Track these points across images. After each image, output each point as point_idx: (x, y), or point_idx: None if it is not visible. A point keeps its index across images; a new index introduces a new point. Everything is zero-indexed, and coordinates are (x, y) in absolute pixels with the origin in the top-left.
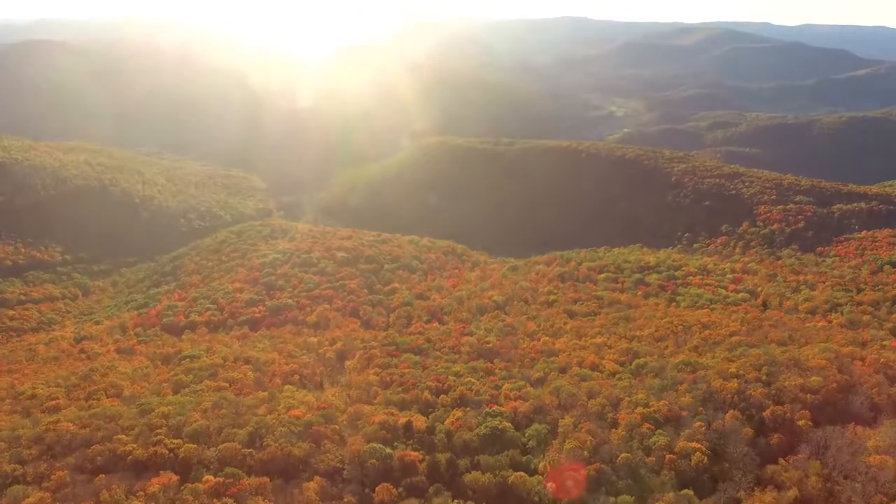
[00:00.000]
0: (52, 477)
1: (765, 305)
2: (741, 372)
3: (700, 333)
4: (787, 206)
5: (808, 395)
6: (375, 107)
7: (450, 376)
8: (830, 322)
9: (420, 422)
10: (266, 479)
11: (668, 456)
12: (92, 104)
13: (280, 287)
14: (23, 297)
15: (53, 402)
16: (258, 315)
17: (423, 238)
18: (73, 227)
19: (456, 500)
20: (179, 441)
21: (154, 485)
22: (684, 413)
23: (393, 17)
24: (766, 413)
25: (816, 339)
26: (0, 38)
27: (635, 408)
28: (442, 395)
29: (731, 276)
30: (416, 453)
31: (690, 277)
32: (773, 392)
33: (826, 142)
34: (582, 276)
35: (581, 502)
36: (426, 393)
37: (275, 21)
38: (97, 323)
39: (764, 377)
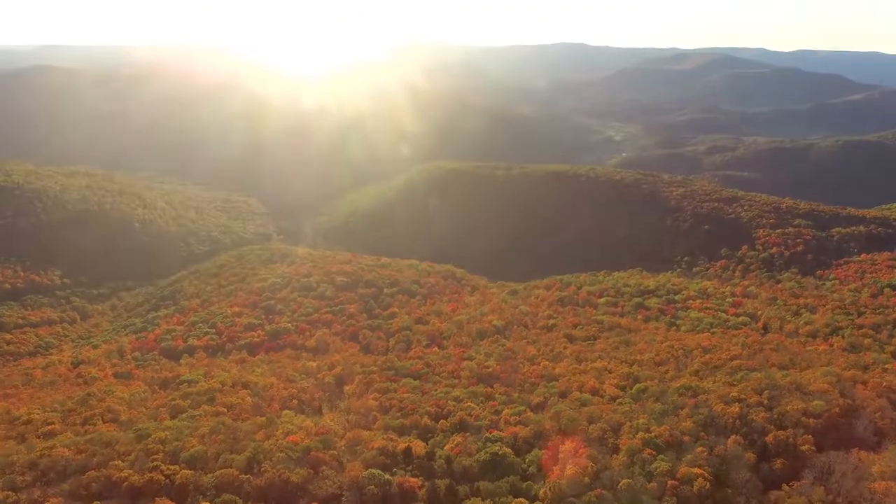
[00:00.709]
0: None
1: (765, 329)
2: (743, 396)
3: (701, 357)
4: (786, 230)
5: (811, 420)
6: (375, 131)
7: (449, 401)
8: (831, 345)
9: (419, 447)
10: None
11: (670, 482)
12: (95, 129)
13: (279, 311)
14: (21, 321)
15: (49, 427)
16: (257, 339)
17: (423, 262)
18: (72, 251)
19: None
20: (176, 467)
21: None
22: (686, 438)
23: (392, 43)
24: (769, 438)
25: (818, 362)
26: (6, 63)
27: (636, 433)
28: (441, 421)
29: (731, 299)
30: (416, 479)
31: (690, 301)
32: (775, 416)
33: (823, 165)
34: (582, 301)
35: None
36: (425, 418)
37: (275, 46)
38: (95, 347)
39: (766, 401)
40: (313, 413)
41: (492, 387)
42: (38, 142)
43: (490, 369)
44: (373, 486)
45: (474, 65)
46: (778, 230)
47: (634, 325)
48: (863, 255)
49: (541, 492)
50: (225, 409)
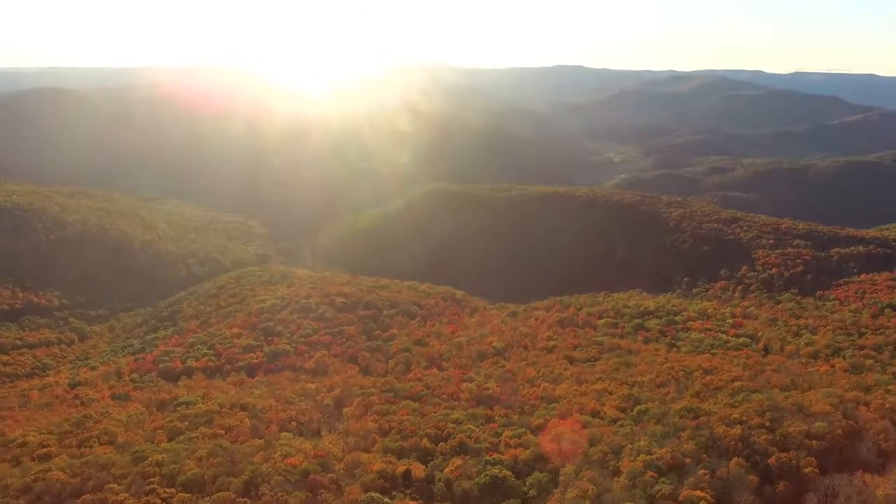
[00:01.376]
0: None
1: (766, 350)
2: (744, 418)
3: (701, 379)
4: (786, 250)
5: (814, 442)
6: (375, 152)
7: (449, 423)
8: (833, 366)
9: (419, 470)
10: None
11: None
12: (97, 150)
13: (278, 333)
14: (18, 342)
15: (44, 449)
16: (256, 361)
17: (422, 284)
18: (71, 272)
19: None
20: (173, 490)
21: None
22: (688, 460)
23: (393, 65)
24: (772, 460)
25: (819, 383)
26: (12, 85)
27: (638, 455)
28: (441, 443)
29: (731, 320)
30: (415, 503)
31: (690, 322)
32: (777, 438)
33: (821, 186)
34: (581, 322)
35: None
36: (425, 440)
37: (275, 67)
38: (93, 368)
39: (768, 423)
40: (312, 435)
41: (492, 409)
42: (40, 162)
43: (490, 391)
44: None
45: (474, 86)
46: (777, 251)
47: (635, 347)
48: (862, 276)
49: None
50: (223, 432)
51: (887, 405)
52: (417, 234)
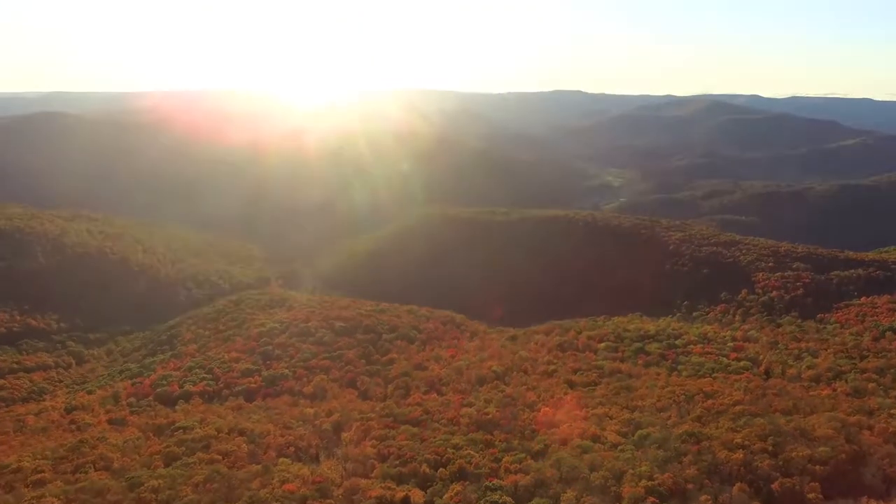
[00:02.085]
0: None
1: (767, 374)
2: (746, 442)
3: (703, 403)
4: (785, 274)
5: (817, 467)
6: (375, 176)
7: (449, 448)
8: (835, 390)
9: (418, 496)
10: None
11: None
12: (98, 174)
13: (277, 357)
14: (15, 366)
15: (39, 475)
16: (254, 385)
17: (422, 308)
18: (70, 295)
19: None
20: None
21: None
22: (690, 486)
23: (393, 91)
24: (775, 485)
25: (822, 407)
26: (13, 109)
27: (639, 480)
28: (441, 469)
29: (731, 344)
30: None
31: (691, 346)
32: (780, 463)
33: (819, 209)
34: (581, 346)
35: None
36: (424, 466)
37: (276, 92)
38: (90, 392)
39: (770, 448)
40: (310, 461)
41: (491, 434)
42: (41, 186)
43: (490, 416)
44: None
45: (474, 111)
46: (777, 274)
47: (635, 371)
48: (863, 299)
49: None
50: (220, 457)
51: (891, 429)
52: (417, 258)
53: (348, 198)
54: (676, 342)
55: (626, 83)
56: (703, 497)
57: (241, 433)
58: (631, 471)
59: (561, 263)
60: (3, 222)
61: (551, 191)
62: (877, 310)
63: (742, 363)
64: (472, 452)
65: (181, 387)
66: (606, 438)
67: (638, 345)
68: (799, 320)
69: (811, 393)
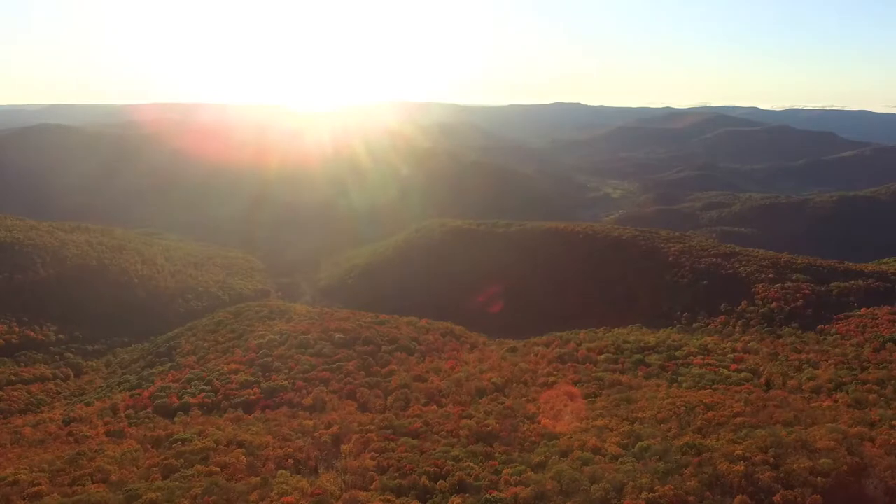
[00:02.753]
0: None
1: (768, 385)
2: (748, 454)
3: (703, 415)
4: (785, 285)
5: (819, 479)
6: (375, 188)
7: (448, 461)
8: (836, 401)
9: None
10: None
11: None
12: (98, 185)
13: (276, 369)
14: (13, 378)
15: (35, 488)
16: (253, 397)
17: (421, 319)
18: (69, 307)
19: None
20: None
21: None
22: (691, 498)
23: (394, 103)
24: (776, 497)
25: (823, 419)
26: (14, 122)
27: (640, 493)
28: (440, 481)
29: (732, 355)
30: None
31: (691, 357)
32: (781, 475)
33: (818, 220)
34: (581, 358)
35: None
36: (424, 478)
37: (276, 103)
38: (88, 404)
39: (771, 460)
40: (309, 473)
41: (491, 446)
42: (42, 198)
43: (489, 428)
44: None
45: (474, 123)
46: (777, 285)
47: (635, 382)
48: (863, 310)
49: None
50: (219, 469)
51: (892, 441)
52: (416, 270)
53: (348, 209)
54: (676, 354)
55: (625, 95)
56: None
57: (240, 445)
58: (631, 483)
59: (560, 275)
60: (3, 234)
61: (551, 203)
62: (877, 321)
63: (742, 375)
64: (471, 464)
65: (180, 398)
66: (607, 450)
67: (638, 356)
68: (799, 331)
69: (812, 404)
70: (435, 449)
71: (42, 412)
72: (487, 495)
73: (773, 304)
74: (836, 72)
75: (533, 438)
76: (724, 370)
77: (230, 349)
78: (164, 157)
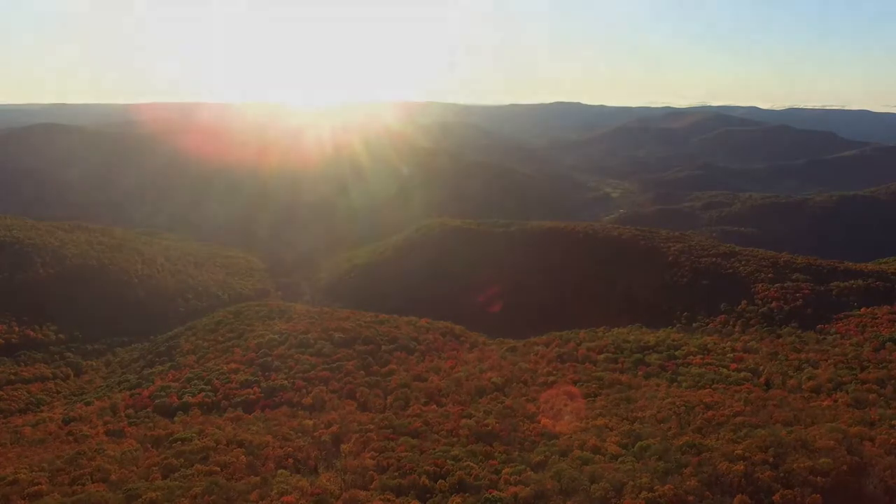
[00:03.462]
0: None
1: (767, 384)
2: (747, 454)
3: (703, 414)
4: (785, 284)
5: (819, 478)
6: (375, 188)
7: (448, 460)
8: (836, 401)
9: None
10: None
11: None
12: (100, 185)
13: (276, 368)
14: (13, 377)
15: (35, 487)
16: (253, 397)
17: (421, 319)
18: (69, 306)
19: None
20: None
21: None
22: (690, 498)
23: (394, 103)
24: (776, 497)
25: (822, 418)
26: (15, 121)
27: (640, 492)
28: (440, 480)
29: (731, 355)
30: None
31: (691, 357)
32: (781, 475)
33: (818, 220)
34: (581, 357)
35: None
36: (424, 478)
37: (276, 102)
38: (87, 404)
39: (771, 459)
40: (309, 473)
41: (491, 445)
42: (42, 197)
43: (489, 427)
44: None
45: (474, 123)
46: (777, 284)
47: (635, 382)
48: (863, 309)
49: None
50: (218, 469)
51: (892, 440)
52: (416, 270)
53: (348, 209)
54: (676, 353)
55: (625, 95)
56: None
57: (240, 445)
58: (631, 482)
59: (560, 275)
60: (3, 233)
61: (551, 202)
62: (877, 321)
63: (742, 374)
64: (471, 464)
65: (180, 398)
66: (606, 450)
67: (638, 356)
68: (799, 331)
69: (812, 404)
70: (435, 448)
71: (42, 412)
72: (487, 495)
73: (773, 304)
74: (836, 71)
75: (533, 438)
76: (724, 370)
77: (230, 349)
78: (165, 156)
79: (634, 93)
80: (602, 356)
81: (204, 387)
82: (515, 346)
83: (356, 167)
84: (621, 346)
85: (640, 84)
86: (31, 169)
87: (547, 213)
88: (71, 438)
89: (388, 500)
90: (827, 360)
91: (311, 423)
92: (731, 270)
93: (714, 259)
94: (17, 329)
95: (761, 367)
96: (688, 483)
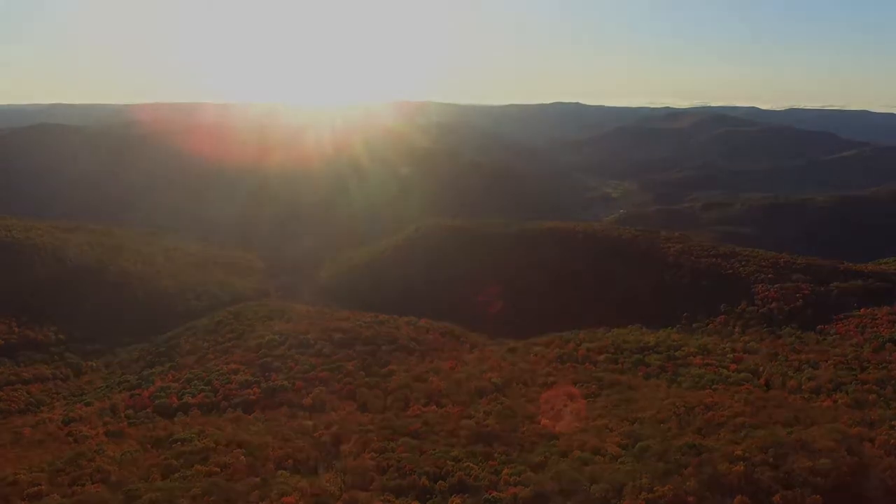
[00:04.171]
0: None
1: (767, 385)
2: (747, 454)
3: (703, 415)
4: (785, 285)
5: (819, 479)
6: (375, 188)
7: (448, 461)
8: (836, 402)
9: None
10: None
11: None
12: (98, 185)
13: (276, 369)
14: (13, 378)
15: (35, 488)
16: (253, 397)
17: (421, 319)
18: (68, 307)
19: None
20: None
21: None
22: (690, 498)
23: (394, 103)
24: (776, 497)
25: (822, 419)
26: (14, 121)
27: (640, 493)
28: (440, 481)
29: (731, 355)
30: None
31: (691, 357)
32: (781, 475)
33: (818, 220)
34: (581, 358)
35: None
36: (424, 479)
37: (275, 101)
38: (87, 405)
39: (771, 460)
40: (309, 473)
41: (491, 446)
42: (42, 198)
43: (489, 428)
44: None
45: (473, 123)
46: (777, 285)
47: (635, 383)
48: (862, 310)
49: None
50: (218, 469)
51: (892, 441)
52: (416, 270)
53: (347, 209)
54: (676, 354)
55: (624, 95)
56: None
57: (240, 445)
58: (631, 483)
59: (560, 275)
60: (2, 234)
61: (550, 203)
62: (877, 321)
63: (742, 375)
64: (471, 465)
65: (180, 399)
66: (606, 450)
67: (638, 356)
68: (799, 332)
69: (812, 404)
70: (435, 449)
71: (42, 412)
72: (487, 495)
73: (773, 305)
74: (836, 71)
75: (533, 438)
76: (724, 370)
77: (230, 349)
78: (165, 156)
79: (634, 93)
80: (602, 357)
81: (204, 387)
82: (515, 346)
83: (355, 167)
84: (621, 347)
85: (639, 84)
86: (31, 169)
87: (546, 214)
88: (71, 439)
89: (388, 500)
90: (827, 361)
91: (311, 423)
92: (731, 271)
93: (714, 259)
94: (16, 329)
95: (761, 368)
96: (688, 484)
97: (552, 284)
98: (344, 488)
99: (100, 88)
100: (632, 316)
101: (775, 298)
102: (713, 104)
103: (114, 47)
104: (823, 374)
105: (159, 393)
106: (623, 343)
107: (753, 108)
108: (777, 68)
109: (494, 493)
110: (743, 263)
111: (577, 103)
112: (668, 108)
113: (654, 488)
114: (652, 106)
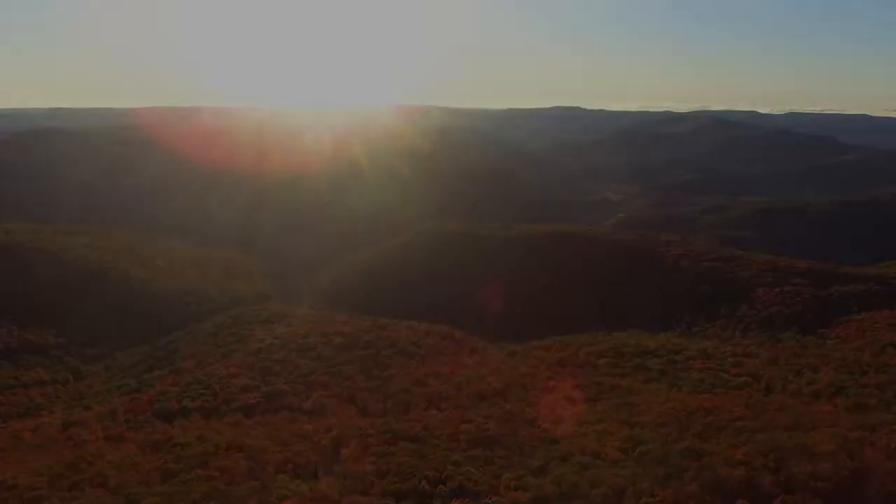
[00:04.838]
0: None
1: (768, 389)
2: (748, 459)
3: (703, 419)
4: (785, 289)
5: (820, 483)
6: (375, 192)
7: (448, 465)
8: (836, 406)
9: None
10: None
11: None
12: (101, 188)
13: (276, 373)
14: (12, 382)
15: (34, 492)
16: (253, 401)
17: (421, 323)
18: (69, 310)
19: None
20: None
21: None
22: (691, 502)
23: (393, 106)
24: (777, 502)
25: (823, 423)
26: (15, 125)
27: (640, 497)
28: (440, 485)
29: (731, 359)
30: None
31: (691, 361)
32: (782, 480)
33: (818, 224)
34: (581, 361)
35: None
36: (424, 483)
37: (275, 104)
38: (87, 408)
39: (772, 464)
40: (309, 477)
41: (491, 450)
42: (43, 201)
43: (489, 432)
44: None
45: (473, 127)
46: (777, 289)
47: (635, 387)
48: (863, 314)
49: None
50: (218, 474)
51: (893, 445)
52: (416, 274)
53: (348, 213)
54: (676, 357)
55: (624, 99)
56: None
57: (240, 449)
58: (632, 487)
59: (560, 279)
60: (3, 237)
61: (550, 206)
62: (877, 325)
63: (743, 379)
64: (471, 469)
65: (179, 403)
66: (607, 454)
67: (638, 360)
68: (799, 336)
69: (812, 408)
70: (435, 453)
71: (41, 416)
72: (487, 500)
73: (773, 309)
74: (836, 75)
75: (533, 443)
76: (725, 374)
77: (230, 353)
78: (165, 159)
79: (634, 97)
80: (602, 360)
81: (204, 391)
82: (515, 350)
83: (356, 170)
84: (621, 351)
85: (639, 88)
86: (33, 173)
87: (546, 217)
88: (70, 443)
89: None
90: (827, 365)
91: (310, 427)
92: (731, 275)
93: (714, 263)
94: (16, 333)
95: (761, 372)
96: (688, 488)
97: (552, 288)
98: (343, 492)
99: (101, 92)
100: (632, 319)
101: (775, 302)
102: (713, 108)
103: (114, 51)
104: (824, 377)
105: (159, 397)
106: (623, 347)
107: (753, 111)
108: (777, 72)
109: (495, 498)
110: (743, 267)
111: (576, 107)
112: (668, 111)
113: (655, 492)
114: (652, 109)
